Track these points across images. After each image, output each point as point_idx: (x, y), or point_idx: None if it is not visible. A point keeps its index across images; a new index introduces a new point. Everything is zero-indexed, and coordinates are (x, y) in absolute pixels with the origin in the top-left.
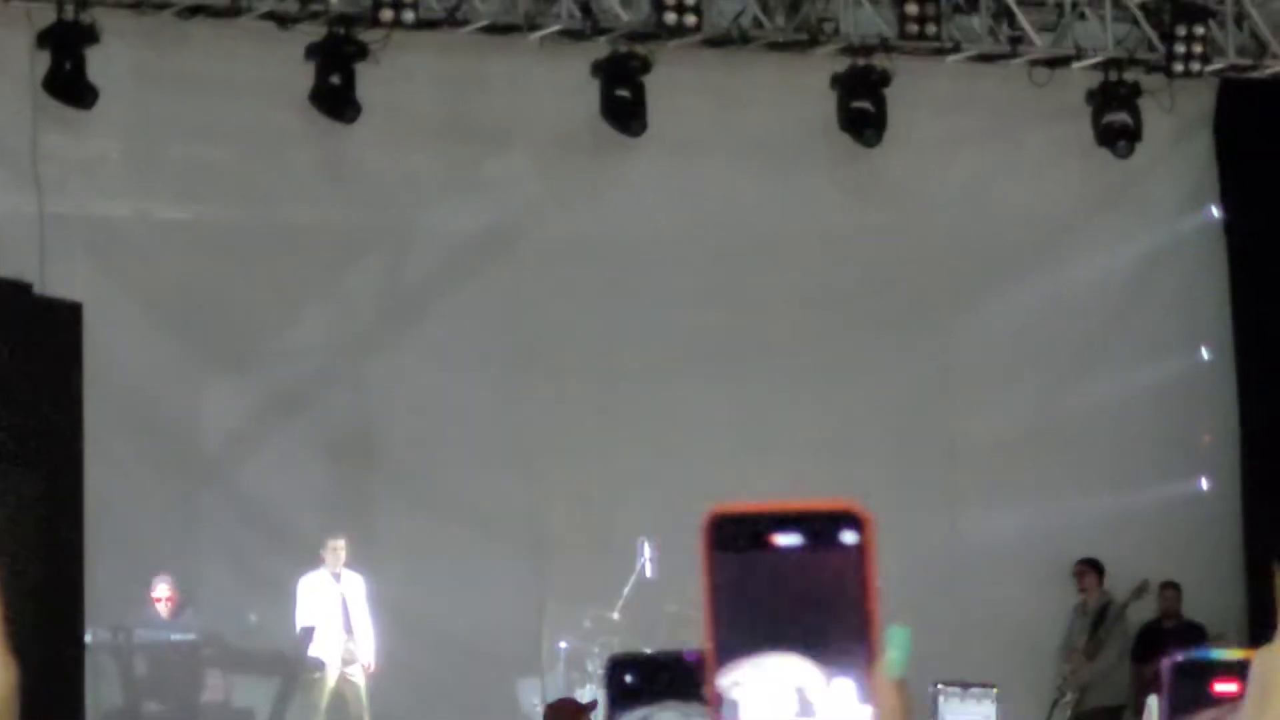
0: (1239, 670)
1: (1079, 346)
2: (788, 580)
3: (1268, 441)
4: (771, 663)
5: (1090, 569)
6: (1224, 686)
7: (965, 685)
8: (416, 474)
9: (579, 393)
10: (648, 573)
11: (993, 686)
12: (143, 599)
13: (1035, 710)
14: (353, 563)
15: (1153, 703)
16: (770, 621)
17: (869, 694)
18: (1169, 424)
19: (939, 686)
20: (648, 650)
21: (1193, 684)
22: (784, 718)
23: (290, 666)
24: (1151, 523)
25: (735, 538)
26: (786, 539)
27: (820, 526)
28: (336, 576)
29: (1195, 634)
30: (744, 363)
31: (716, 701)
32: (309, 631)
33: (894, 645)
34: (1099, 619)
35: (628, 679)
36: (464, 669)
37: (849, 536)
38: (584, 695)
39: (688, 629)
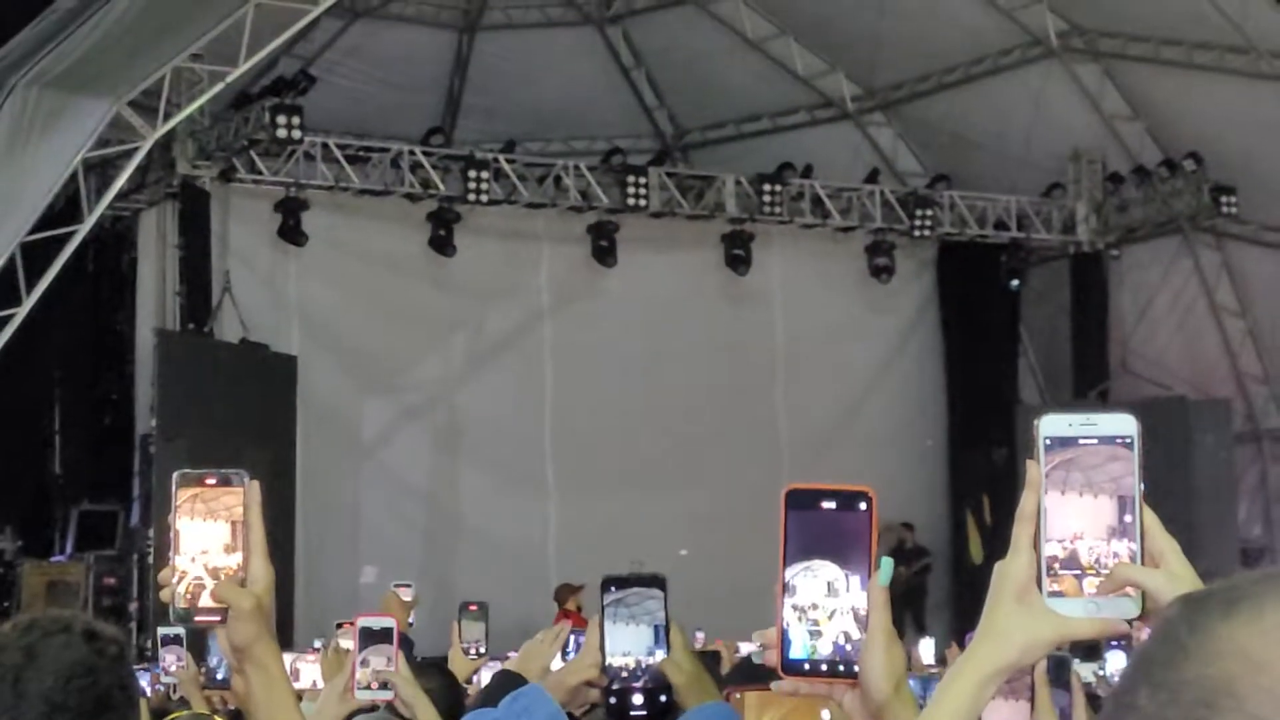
0: None
1: (864, 384)
2: (827, 526)
3: (961, 448)
4: (815, 564)
5: None
6: None
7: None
8: (483, 454)
9: (572, 406)
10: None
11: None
12: (332, 530)
13: None
14: (448, 502)
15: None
16: (816, 547)
17: (868, 589)
18: (908, 432)
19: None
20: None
21: None
22: (821, 595)
23: (415, 562)
24: (899, 493)
25: (800, 501)
26: (828, 504)
27: (847, 498)
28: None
29: (921, 553)
30: (664, 396)
31: (782, 588)
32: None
33: (882, 566)
34: None
35: (612, 588)
36: (515, 566)
37: (862, 504)
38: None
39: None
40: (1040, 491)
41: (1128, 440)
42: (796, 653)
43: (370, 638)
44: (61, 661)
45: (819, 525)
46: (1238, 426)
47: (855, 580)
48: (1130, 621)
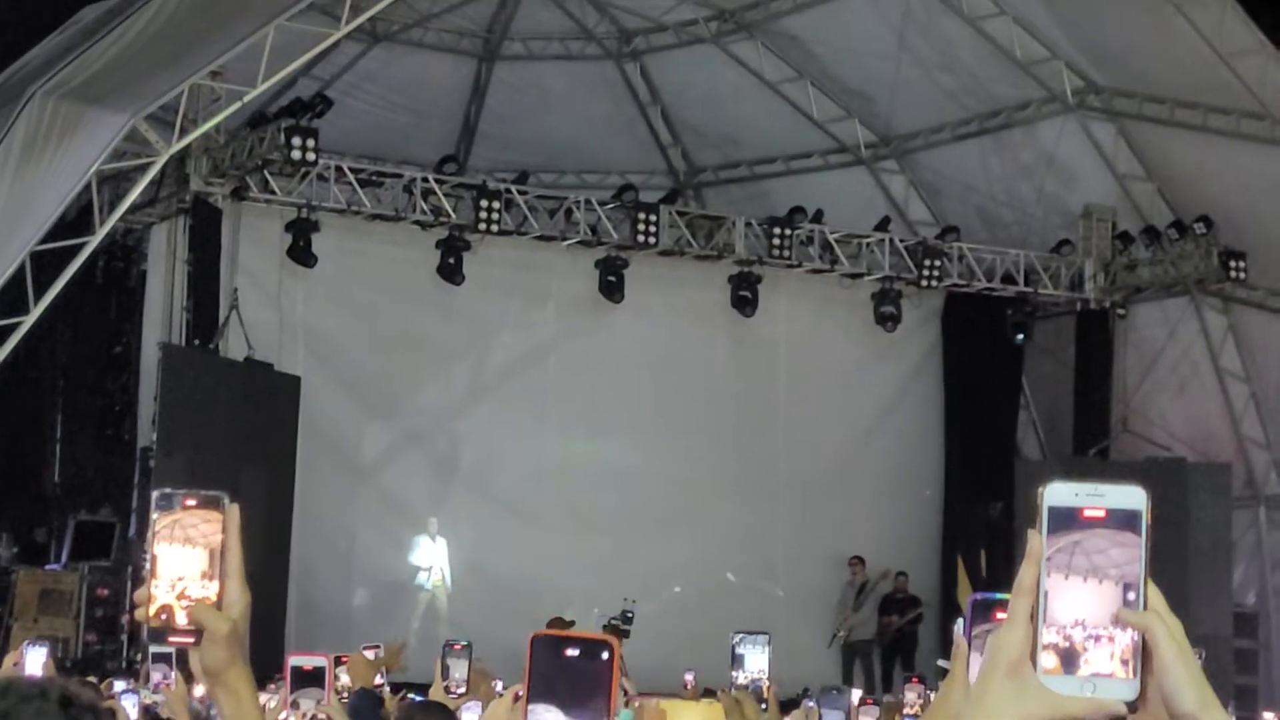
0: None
1: (864, 431)
2: (569, 671)
3: (958, 499)
4: (539, 710)
5: (858, 561)
6: (1002, 615)
7: (750, 632)
8: (481, 482)
9: (573, 441)
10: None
11: (766, 633)
12: (327, 552)
13: (822, 639)
14: (442, 531)
15: (958, 626)
16: (555, 692)
17: None
18: (907, 480)
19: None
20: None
21: (983, 612)
22: None
23: (407, 588)
24: (895, 541)
25: (545, 648)
26: (571, 651)
27: (591, 647)
28: (434, 537)
29: (914, 602)
30: (665, 435)
31: None
32: (418, 569)
33: (621, 716)
34: (861, 589)
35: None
36: (507, 598)
37: (604, 654)
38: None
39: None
40: (1040, 565)
41: (1136, 516)
42: None
43: (301, 679)
44: None
45: (560, 671)
46: (1237, 491)
47: None
48: (1129, 704)
